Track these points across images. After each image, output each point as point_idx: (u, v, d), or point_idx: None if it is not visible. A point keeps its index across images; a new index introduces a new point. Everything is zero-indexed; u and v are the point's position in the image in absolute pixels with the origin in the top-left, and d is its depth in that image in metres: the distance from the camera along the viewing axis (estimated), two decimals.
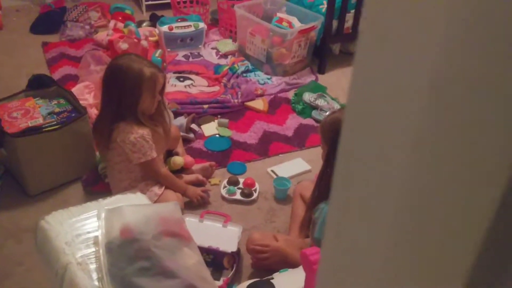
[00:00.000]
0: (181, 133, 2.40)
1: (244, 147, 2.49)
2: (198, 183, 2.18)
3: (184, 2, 3.75)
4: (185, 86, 2.97)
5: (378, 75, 0.37)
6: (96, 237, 1.15)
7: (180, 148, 2.32)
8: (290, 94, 2.96)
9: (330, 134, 1.58)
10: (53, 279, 1.17)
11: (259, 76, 3.12)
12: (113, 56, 3.00)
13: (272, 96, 2.93)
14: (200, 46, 3.40)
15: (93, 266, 1.13)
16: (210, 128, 2.60)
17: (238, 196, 2.15)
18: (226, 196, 2.15)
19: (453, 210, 0.37)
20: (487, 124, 0.34)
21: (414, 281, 0.40)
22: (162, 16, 3.64)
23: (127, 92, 1.85)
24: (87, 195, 2.14)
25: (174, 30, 3.28)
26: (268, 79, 3.10)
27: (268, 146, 2.51)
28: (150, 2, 4.03)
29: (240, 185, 2.20)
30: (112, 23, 3.48)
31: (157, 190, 1.98)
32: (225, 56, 3.34)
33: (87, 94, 2.70)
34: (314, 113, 2.76)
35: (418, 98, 0.33)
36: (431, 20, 0.32)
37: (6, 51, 3.34)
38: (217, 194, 2.18)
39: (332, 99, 2.87)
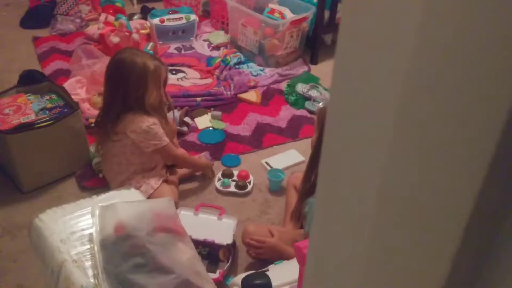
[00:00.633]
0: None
1: (237, 139, 2.50)
2: (191, 175, 2.23)
3: None
4: (177, 79, 2.96)
5: (356, 71, 0.38)
6: (91, 234, 1.16)
7: (175, 141, 2.32)
8: (283, 86, 2.96)
9: (321, 122, 1.60)
10: (48, 277, 1.17)
11: (252, 67, 3.12)
12: (104, 50, 2.99)
13: (265, 88, 2.93)
14: (192, 38, 3.39)
15: (88, 263, 1.13)
16: (204, 121, 2.60)
17: (232, 188, 2.16)
18: (221, 188, 2.16)
19: (433, 205, 0.38)
20: (466, 115, 0.35)
21: (395, 280, 0.41)
22: (153, 8, 3.61)
23: (133, 86, 1.87)
24: (81, 191, 2.14)
25: (166, 23, 3.26)
26: (261, 70, 3.09)
27: (262, 138, 2.52)
28: None
29: (235, 178, 2.21)
30: (103, 16, 3.45)
31: (153, 183, 1.99)
32: (217, 48, 3.32)
33: (79, 89, 2.69)
34: (307, 104, 2.76)
35: (394, 94, 0.34)
36: (407, 15, 0.32)
37: None
38: (212, 187, 2.18)
39: (325, 89, 2.87)
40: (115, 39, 3.03)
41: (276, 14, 3.08)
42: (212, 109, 2.70)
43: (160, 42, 3.29)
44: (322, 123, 1.59)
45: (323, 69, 3.18)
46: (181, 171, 2.20)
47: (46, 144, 2.08)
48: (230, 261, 1.78)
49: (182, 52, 3.28)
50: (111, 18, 3.40)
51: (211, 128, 2.56)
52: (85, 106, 2.57)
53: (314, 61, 3.25)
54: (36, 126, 2.04)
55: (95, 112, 2.52)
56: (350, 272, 0.42)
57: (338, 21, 3.21)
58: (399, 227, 0.39)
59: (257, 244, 1.75)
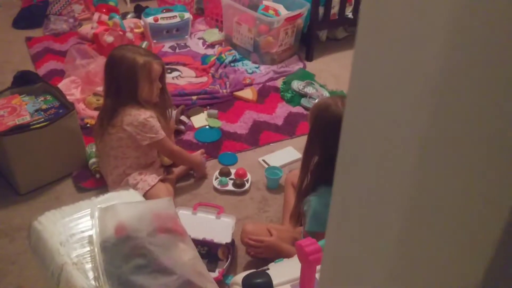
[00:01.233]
0: None
1: (234, 137, 2.49)
2: (186, 174, 2.24)
3: None
4: (172, 78, 2.95)
5: (379, 69, 0.36)
6: (91, 236, 1.15)
7: (172, 138, 2.33)
8: (279, 83, 2.95)
9: (311, 119, 1.60)
10: (48, 280, 1.17)
11: (247, 65, 3.11)
12: (99, 49, 2.98)
13: (260, 85, 2.92)
14: (186, 36, 3.37)
15: (89, 266, 1.12)
16: (200, 120, 2.60)
17: (230, 187, 2.15)
18: (218, 187, 2.15)
19: (465, 214, 0.36)
20: (498, 119, 0.33)
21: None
22: (147, 7, 3.59)
23: (124, 80, 1.91)
24: (78, 192, 2.13)
25: (160, 21, 3.24)
26: (256, 68, 3.09)
27: (259, 135, 2.51)
28: None
29: (232, 176, 2.20)
30: (96, 16, 3.44)
31: (150, 181, 1.99)
32: (212, 46, 3.31)
33: (74, 89, 2.67)
34: (303, 101, 2.76)
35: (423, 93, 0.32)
36: (435, 7, 0.30)
37: None
38: (209, 186, 2.18)
39: (321, 86, 2.87)
40: (109, 38, 3.01)
41: (271, 11, 3.08)
42: (208, 107, 2.70)
43: (155, 41, 3.28)
44: (313, 119, 1.60)
45: (319, 66, 3.17)
46: (178, 170, 2.20)
47: (42, 145, 2.07)
48: (229, 260, 1.78)
49: (177, 50, 3.27)
50: (104, 17, 3.38)
51: (207, 127, 2.55)
52: (80, 106, 2.55)
53: (309, 57, 3.25)
54: (31, 127, 2.03)
55: (90, 112, 2.52)
56: (372, 276, 0.41)
57: (332, 17, 3.21)
58: (427, 234, 0.37)
59: (255, 243, 1.75)
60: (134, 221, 1.16)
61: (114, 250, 1.12)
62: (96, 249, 1.11)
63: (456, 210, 0.36)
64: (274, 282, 1.33)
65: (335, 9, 3.19)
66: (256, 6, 3.18)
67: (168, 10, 3.33)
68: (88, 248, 1.14)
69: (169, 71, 3.01)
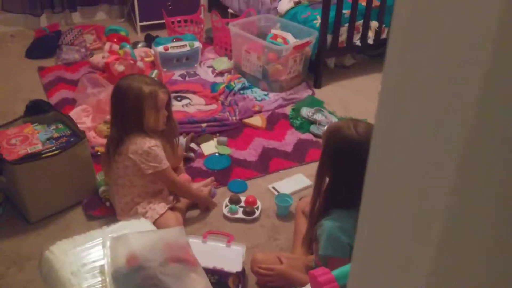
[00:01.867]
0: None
1: (244, 164, 2.49)
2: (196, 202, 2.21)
3: (179, 22, 3.77)
4: (182, 106, 2.98)
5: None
6: (102, 266, 1.14)
7: (181, 166, 2.35)
8: (288, 110, 2.97)
9: (323, 141, 1.60)
10: None
11: (256, 92, 3.13)
12: (109, 78, 3.02)
13: (269, 112, 2.94)
14: (196, 65, 3.42)
15: None
16: (209, 147, 2.60)
17: (240, 214, 2.14)
18: (228, 215, 2.14)
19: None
20: None
21: None
22: (157, 36, 3.66)
23: (130, 110, 1.93)
24: (88, 220, 2.12)
25: (170, 50, 3.29)
26: (265, 95, 3.11)
27: (268, 162, 2.51)
28: (144, 23, 4.05)
29: (242, 204, 2.19)
30: (107, 45, 3.50)
31: (159, 209, 1.99)
32: (221, 74, 3.35)
33: (85, 117, 2.70)
34: (313, 127, 2.76)
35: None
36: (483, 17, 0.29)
37: (2, 77, 3.34)
38: (219, 214, 2.17)
39: (330, 113, 2.88)
40: (120, 67, 3.06)
41: (279, 40, 3.12)
42: (217, 134, 2.71)
43: (165, 70, 3.32)
44: (325, 142, 1.60)
45: (327, 93, 3.19)
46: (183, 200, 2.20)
47: (53, 174, 2.07)
48: None
49: (187, 78, 3.31)
50: (115, 46, 3.44)
51: (217, 154, 2.56)
52: (91, 134, 2.57)
53: (317, 85, 3.27)
54: (43, 155, 2.05)
55: (101, 140, 2.54)
56: None
57: (340, 45, 3.24)
58: (462, 268, 0.36)
59: (266, 272, 1.72)
60: (145, 251, 1.15)
61: (125, 280, 1.11)
62: (107, 279, 1.10)
63: (495, 247, 0.35)
64: None
65: (343, 37, 3.23)
66: (265, 35, 3.22)
67: (178, 39, 3.38)
68: (99, 278, 1.13)
69: (179, 99, 3.04)
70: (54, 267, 1.18)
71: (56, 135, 2.18)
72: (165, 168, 1.97)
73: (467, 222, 0.34)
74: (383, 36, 3.36)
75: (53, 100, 2.99)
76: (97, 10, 4.37)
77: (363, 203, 0.42)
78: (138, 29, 4.06)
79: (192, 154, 2.51)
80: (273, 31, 3.22)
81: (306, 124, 2.79)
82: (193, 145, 2.55)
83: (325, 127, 2.67)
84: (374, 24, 3.30)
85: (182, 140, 2.50)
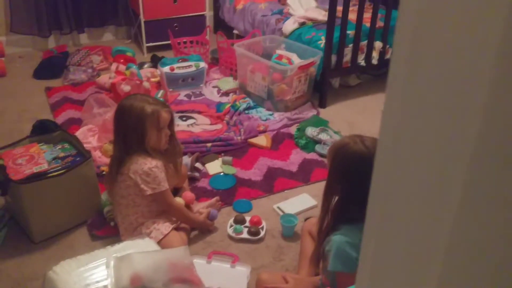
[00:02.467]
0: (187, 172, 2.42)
1: (249, 184, 2.48)
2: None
3: (185, 43, 3.81)
4: (187, 125, 2.99)
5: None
6: (106, 286, 1.13)
7: (185, 185, 2.34)
8: (293, 129, 2.97)
9: (330, 158, 1.59)
10: None
11: (261, 112, 3.14)
12: (116, 98, 3.04)
13: (274, 132, 2.94)
14: (201, 85, 3.44)
15: None
16: (214, 167, 2.60)
17: (245, 235, 2.13)
18: (233, 235, 2.13)
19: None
20: None
21: None
22: (163, 57, 3.69)
23: (131, 129, 1.93)
24: (92, 240, 2.12)
25: (176, 71, 3.32)
26: (270, 115, 3.12)
27: (273, 182, 2.50)
28: (150, 44, 4.10)
29: (247, 224, 2.18)
30: (114, 66, 3.53)
31: (163, 229, 1.97)
32: (226, 94, 3.37)
33: (91, 137, 2.71)
34: (318, 147, 2.76)
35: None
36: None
37: (10, 97, 3.37)
38: (224, 234, 2.15)
39: (335, 132, 2.88)
40: (126, 87, 3.08)
41: (284, 60, 3.14)
42: (222, 154, 2.71)
43: (170, 90, 3.34)
44: (331, 159, 1.59)
45: (332, 113, 3.20)
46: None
47: (59, 193, 2.08)
48: None
49: (192, 98, 3.33)
50: (122, 67, 3.48)
51: (222, 174, 2.55)
52: (97, 154, 2.58)
53: (322, 104, 3.28)
54: (48, 175, 2.05)
55: (106, 160, 2.54)
56: None
57: (345, 65, 3.26)
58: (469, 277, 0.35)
59: None
60: (149, 271, 1.14)
61: None
62: None
63: (503, 264, 0.34)
64: None
65: (347, 57, 3.25)
66: (270, 55, 3.24)
67: (184, 60, 3.41)
68: None
69: (184, 118, 3.05)
70: (58, 287, 1.17)
71: (62, 154, 2.18)
72: (163, 191, 1.96)
73: (473, 234, 0.34)
74: (387, 56, 3.38)
75: (60, 120, 3.01)
76: (104, 31, 4.42)
77: (368, 217, 0.42)
78: (145, 49, 4.10)
79: (197, 174, 2.51)
80: (278, 52, 3.25)
81: (311, 144, 2.79)
82: (198, 164, 2.55)
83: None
84: (378, 44, 3.32)
85: (187, 159, 2.51)
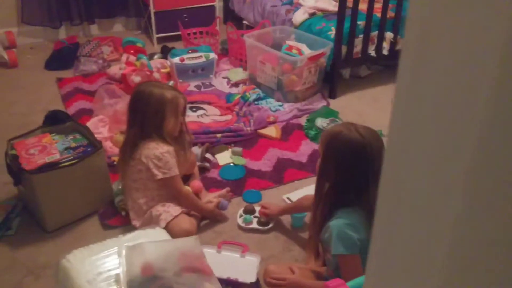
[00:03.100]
0: (197, 163, 2.43)
1: (258, 175, 2.49)
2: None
3: (194, 34, 3.81)
4: (197, 116, 3.00)
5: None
6: (118, 275, 1.15)
7: (195, 171, 2.38)
8: (302, 120, 2.97)
9: (323, 146, 1.59)
10: None
11: (271, 103, 3.14)
12: (126, 89, 3.05)
13: (284, 123, 2.94)
14: (211, 76, 3.44)
15: None
16: (224, 157, 2.61)
17: (254, 225, 2.14)
18: (243, 225, 2.14)
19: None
20: None
21: None
22: (173, 48, 3.70)
23: (151, 115, 1.97)
24: (104, 229, 2.14)
25: (185, 61, 3.33)
26: (280, 106, 3.12)
27: (283, 173, 2.51)
28: (160, 35, 4.10)
29: (256, 214, 2.19)
30: (124, 57, 3.55)
31: (173, 211, 2.00)
32: (236, 85, 3.37)
33: (102, 128, 2.73)
34: None
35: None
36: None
37: (22, 88, 3.40)
38: (234, 224, 2.17)
39: None
40: (136, 78, 3.09)
41: (294, 51, 3.13)
42: (232, 145, 2.72)
43: (180, 81, 3.35)
44: (324, 146, 1.59)
45: (342, 103, 3.19)
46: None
47: (70, 183, 2.10)
48: None
49: (202, 89, 3.33)
50: (132, 58, 3.49)
51: (231, 164, 2.56)
52: (107, 144, 2.60)
53: (332, 95, 3.26)
54: (60, 165, 2.07)
55: (117, 150, 2.56)
56: None
57: (355, 56, 3.24)
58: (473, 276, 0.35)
59: (277, 282, 1.71)
60: (160, 261, 1.16)
61: None
62: None
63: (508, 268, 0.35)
64: None
65: (357, 48, 3.23)
66: (280, 46, 3.23)
67: (194, 51, 3.41)
68: (115, 287, 1.13)
69: (194, 109, 3.06)
70: (71, 275, 1.19)
71: (73, 145, 2.21)
72: (173, 176, 1.99)
73: (477, 234, 0.34)
74: (398, 46, 3.35)
75: (71, 110, 3.03)
76: (115, 22, 4.43)
77: (377, 216, 0.42)
78: (155, 40, 4.11)
79: (207, 164, 2.52)
80: (288, 42, 3.23)
81: (320, 135, 2.79)
82: (208, 155, 2.56)
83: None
84: (389, 35, 3.29)
85: (197, 150, 2.52)
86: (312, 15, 3.42)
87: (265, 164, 2.57)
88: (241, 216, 2.18)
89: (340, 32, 3.07)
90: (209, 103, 3.15)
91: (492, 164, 0.31)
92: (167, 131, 2.00)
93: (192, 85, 3.36)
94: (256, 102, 3.13)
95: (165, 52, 3.67)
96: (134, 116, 2.01)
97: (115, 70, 3.42)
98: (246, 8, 4.06)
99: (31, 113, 3.02)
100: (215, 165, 2.55)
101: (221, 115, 3.04)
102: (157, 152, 1.96)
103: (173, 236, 1.73)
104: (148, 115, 1.97)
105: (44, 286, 1.85)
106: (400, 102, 0.38)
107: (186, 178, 2.30)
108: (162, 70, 3.43)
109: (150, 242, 1.24)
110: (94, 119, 2.78)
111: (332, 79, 3.25)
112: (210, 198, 2.20)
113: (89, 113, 2.97)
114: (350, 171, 1.53)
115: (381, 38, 3.26)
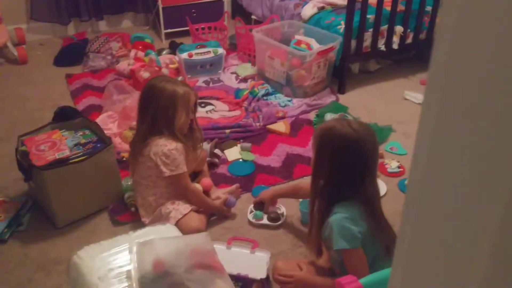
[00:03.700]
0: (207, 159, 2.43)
1: (267, 170, 2.48)
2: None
3: (203, 29, 3.80)
4: (206, 112, 2.99)
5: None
6: (129, 271, 1.15)
7: (205, 168, 2.37)
8: (312, 116, 2.95)
9: (316, 142, 1.58)
10: None
11: (280, 98, 3.13)
12: (135, 85, 3.05)
13: (293, 118, 2.93)
14: (219, 71, 3.43)
15: None
16: (233, 153, 2.60)
17: (265, 221, 2.13)
18: (253, 221, 2.13)
19: None
20: None
21: None
22: (181, 43, 3.69)
23: (163, 110, 1.97)
24: (114, 226, 2.14)
25: (194, 57, 3.32)
26: (289, 101, 3.10)
27: (292, 168, 2.50)
28: (169, 30, 4.09)
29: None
30: (133, 53, 3.55)
31: (182, 209, 2.00)
32: (244, 80, 3.36)
33: (111, 124, 2.73)
34: None
35: None
36: None
37: (31, 84, 3.42)
38: (244, 219, 2.16)
39: (354, 118, 2.85)
40: (145, 74, 3.09)
41: (303, 45, 3.11)
42: (241, 140, 2.71)
43: (189, 76, 3.35)
44: (318, 142, 1.58)
45: (351, 98, 3.16)
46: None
47: (80, 179, 2.10)
48: None
49: (210, 85, 3.33)
50: (141, 54, 3.49)
51: (241, 160, 2.56)
52: (117, 140, 2.60)
53: (342, 90, 3.24)
54: (70, 161, 2.08)
55: (126, 146, 2.56)
56: None
57: (365, 50, 3.21)
58: None
59: (285, 279, 1.70)
60: (171, 257, 1.15)
61: (152, 286, 1.12)
62: (134, 285, 1.11)
63: None
64: None
65: (367, 42, 3.20)
66: (288, 41, 3.21)
67: (202, 46, 3.41)
68: (126, 284, 1.13)
69: (202, 105, 3.05)
70: (82, 272, 1.19)
71: (83, 141, 2.21)
72: (181, 173, 1.99)
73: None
74: (408, 41, 3.32)
75: (80, 106, 3.04)
76: (123, 18, 4.44)
77: (404, 217, 0.41)
78: (163, 36, 4.10)
79: (216, 160, 2.52)
80: (297, 37, 3.21)
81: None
82: (217, 151, 2.56)
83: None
84: (399, 29, 3.26)
85: (206, 146, 2.51)
86: (321, 9, 3.39)
87: (274, 159, 2.56)
88: (251, 211, 2.17)
89: (350, 26, 3.04)
90: (218, 99, 3.14)
91: None
92: (178, 126, 1.99)
93: (200, 81, 3.36)
94: (264, 98, 3.12)
95: (174, 48, 3.67)
96: (146, 111, 2.00)
97: (123, 66, 3.42)
98: (254, 2, 4.04)
99: (40, 109, 3.04)
100: (224, 161, 2.55)
101: (229, 110, 3.03)
102: (165, 149, 1.95)
103: (183, 234, 1.71)
104: (160, 110, 1.97)
105: (54, 282, 1.86)
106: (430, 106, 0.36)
107: (196, 175, 2.30)
108: (171, 66, 3.43)
109: (161, 239, 1.23)
110: (103, 115, 2.78)
111: (341, 73, 3.22)
112: (218, 194, 2.20)
113: (98, 109, 2.98)
114: (344, 165, 1.53)
115: (391, 32, 3.23)
